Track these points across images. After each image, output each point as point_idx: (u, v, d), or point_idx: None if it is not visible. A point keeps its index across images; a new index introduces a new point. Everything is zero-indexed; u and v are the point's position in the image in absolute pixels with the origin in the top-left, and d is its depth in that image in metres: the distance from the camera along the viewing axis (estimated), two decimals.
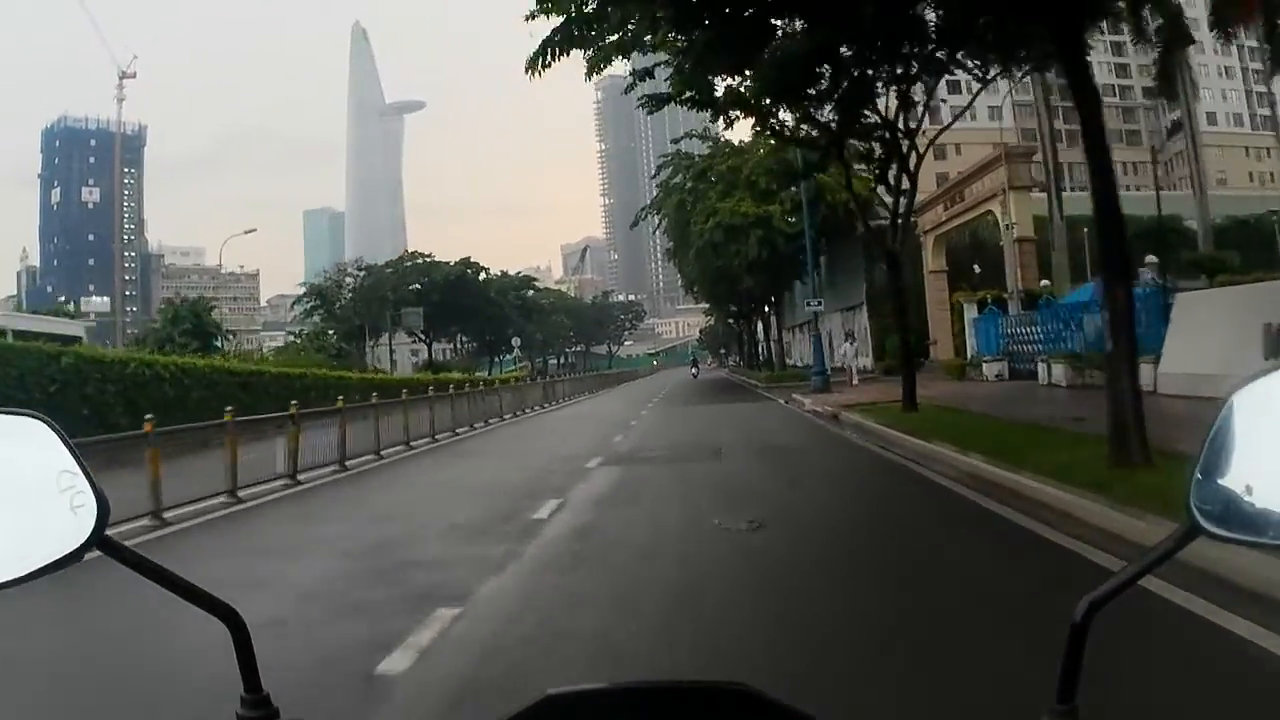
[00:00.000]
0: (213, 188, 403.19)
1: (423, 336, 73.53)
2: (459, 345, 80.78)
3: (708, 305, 72.64)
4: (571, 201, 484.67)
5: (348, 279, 72.63)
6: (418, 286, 71.66)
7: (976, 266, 40.56)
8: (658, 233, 48.93)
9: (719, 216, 42.95)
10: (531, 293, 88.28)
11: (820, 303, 34.54)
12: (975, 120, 46.82)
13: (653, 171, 58.57)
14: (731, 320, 75.27)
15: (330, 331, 65.75)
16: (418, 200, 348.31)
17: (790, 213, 39.85)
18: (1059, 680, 0.97)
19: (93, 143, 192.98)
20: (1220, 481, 0.90)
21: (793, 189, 37.69)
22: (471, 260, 75.74)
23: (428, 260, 74.02)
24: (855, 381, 29.68)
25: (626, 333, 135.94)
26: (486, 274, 76.20)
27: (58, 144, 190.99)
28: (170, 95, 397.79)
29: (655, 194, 50.96)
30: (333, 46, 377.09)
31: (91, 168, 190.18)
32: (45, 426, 1.04)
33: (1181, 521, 0.93)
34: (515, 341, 58.81)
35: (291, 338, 67.77)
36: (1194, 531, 0.92)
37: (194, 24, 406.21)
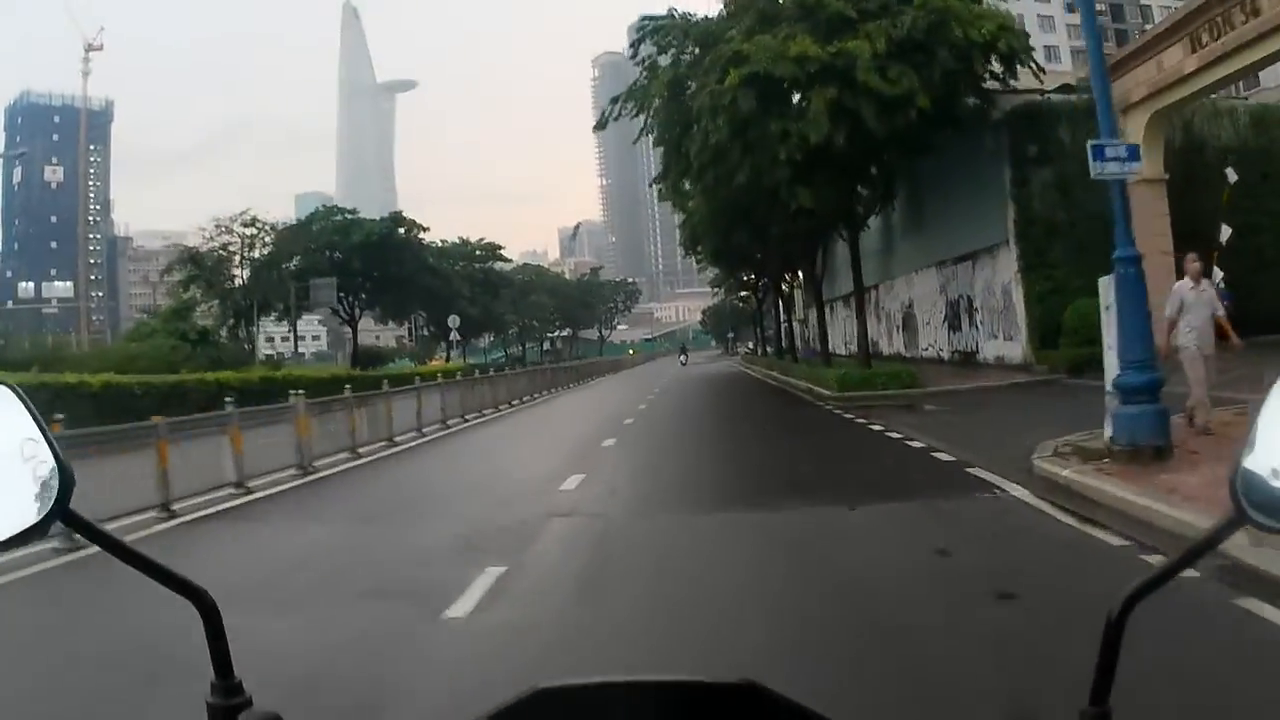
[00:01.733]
0: (203, 174, 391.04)
1: (344, 317, 59.70)
2: (414, 328, 68.24)
3: (715, 275, 58.25)
4: (568, 185, 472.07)
5: (230, 239, 55.97)
6: (334, 253, 55.94)
7: (1230, 171, 20.80)
8: (645, 135, 28.20)
9: (752, 65, 22.25)
10: (497, 265, 74.95)
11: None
12: None
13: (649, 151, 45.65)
14: (747, 294, 61.00)
15: (200, 308, 52.36)
16: (410, 183, 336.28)
17: (890, 56, 21.93)
18: (1094, 680, 0.94)
19: (57, 119, 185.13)
20: (1267, 470, 0.88)
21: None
22: (405, 217, 60.04)
23: (348, 217, 57.65)
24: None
25: (619, 315, 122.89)
26: (423, 235, 60.60)
27: (20, 121, 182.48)
28: (157, 80, 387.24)
29: (637, 78, 28.20)
30: (323, 25, 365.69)
31: (55, 145, 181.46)
32: (9, 392, 0.99)
33: (1225, 510, 0.91)
34: (453, 321, 46.15)
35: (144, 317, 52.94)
36: (1239, 519, 0.90)
37: (178, 6, 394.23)
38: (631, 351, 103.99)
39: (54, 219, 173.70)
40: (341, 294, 54.97)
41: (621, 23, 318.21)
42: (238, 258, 52.33)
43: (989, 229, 24.63)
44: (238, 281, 51.96)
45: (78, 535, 1.01)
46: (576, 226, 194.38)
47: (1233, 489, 0.89)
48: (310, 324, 77.59)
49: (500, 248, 72.14)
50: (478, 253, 70.76)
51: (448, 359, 64.24)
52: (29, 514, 0.95)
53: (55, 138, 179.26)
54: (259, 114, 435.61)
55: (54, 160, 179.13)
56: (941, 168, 25.78)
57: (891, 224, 33.54)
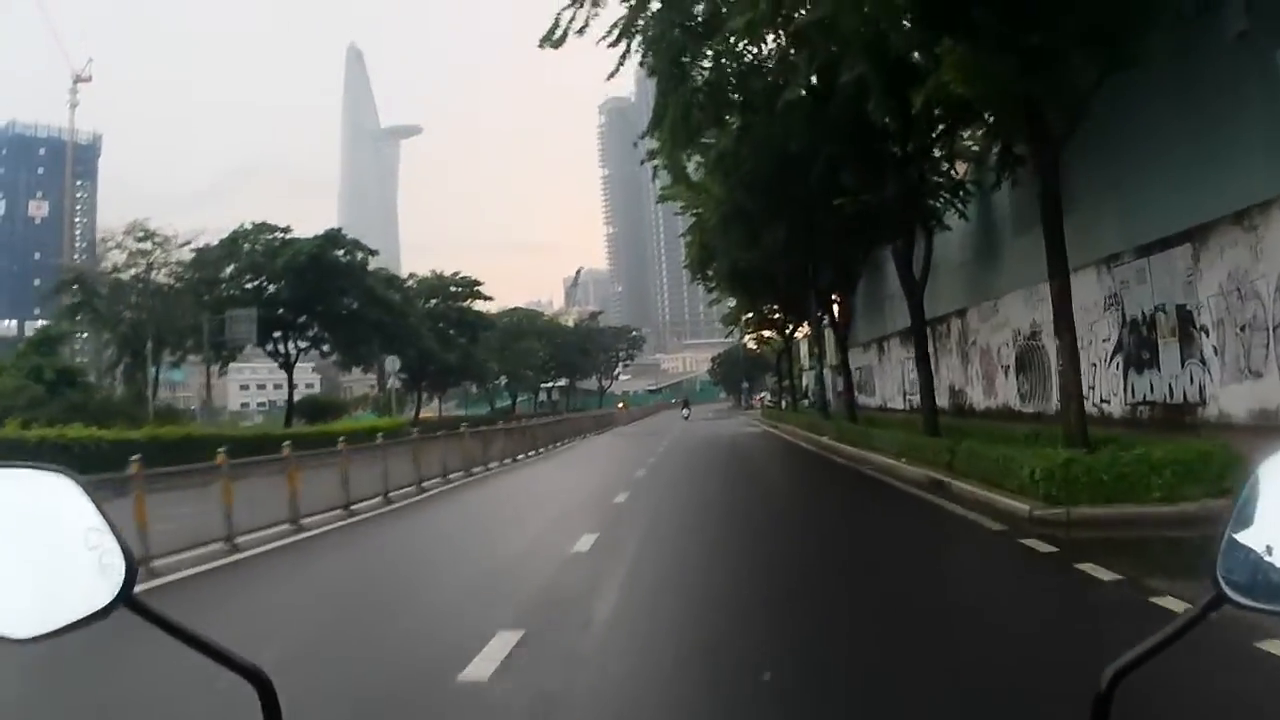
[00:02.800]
0: (204, 217, 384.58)
1: (277, 358, 47.26)
2: (380, 374, 57.44)
3: (727, 312, 46.19)
4: (574, 233, 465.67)
5: (121, 258, 42.88)
6: (261, 280, 44.14)
7: None
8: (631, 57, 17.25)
9: None
10: (479, 304, 62.13)
11: None
12: None
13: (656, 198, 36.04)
14: (770, 334, 49.69)
15: (80, 343, 42.34)
16: (413, 230, 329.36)
17: None
18: None
19: (42, 152, 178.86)
20: (1246, 552, 0.91)
21: None
22: (345, 237, 47.45)
23: (280, 236, 45.12)
24: None
25: (621, 364, 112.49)
26: (365, 260, 47.16)
27: (4, 152, 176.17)
28: (156, 122, 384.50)
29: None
30: (326, 68, 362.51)
31: (40, 179, 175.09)
32: (71, 483, 1.03)
33: (1206, 590, 0.95)
34: (391, 365, 36.34)
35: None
36: (1219, 600, 0.93)
37: (183, 53, 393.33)
38: (621, 405, 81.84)
39: (37, 255, 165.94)
40: (278, 332, 44.91)
41: (629, 69, 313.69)
42: (140, 281, 41.49)
43: (1234, 183, 13.59)
44: (154, 306, 40.93)
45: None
46: (578, 272, 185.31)
47: (1213, 571, 0.92)
48: (304, 371, 69.17)
49: (479, 283, 61.75)
50: (452, 288, 61.02)
51: (416, 414, 54.03)
52: (94, 600, 0.98)
53: (41, 171, 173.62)
54: (260, 158, 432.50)
55: (39, 194, 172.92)
56: (1131, 98, 14.97)
57: (993, 219, 23.71)
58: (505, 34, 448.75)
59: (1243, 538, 0.90)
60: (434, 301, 58.07)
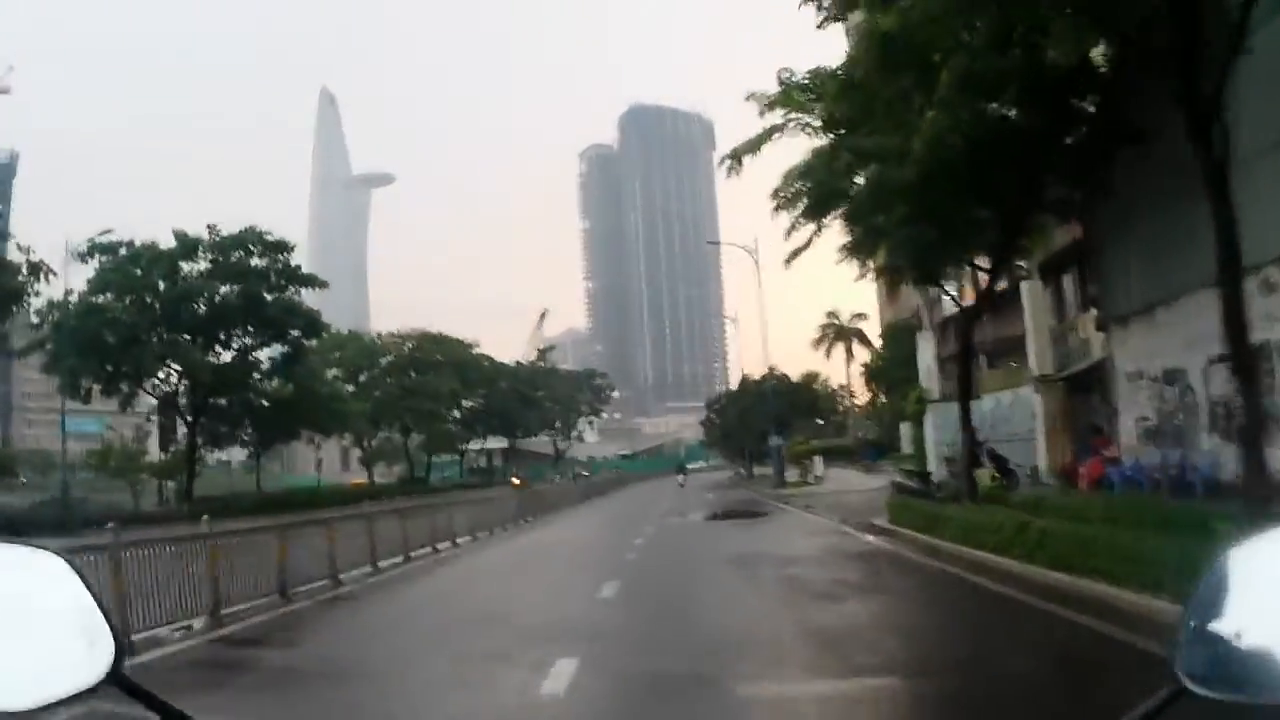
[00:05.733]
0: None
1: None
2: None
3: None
4: (552, 291, 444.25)
5: None
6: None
7: None
8: None
9: None
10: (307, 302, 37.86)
11: None
12: None
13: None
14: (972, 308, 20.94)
15: None
16: (384, 290, 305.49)
17: None
18: None
19: None
20: (1210, 641, 0.89)
21: None
22: None
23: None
24: None
25: (583, 420, 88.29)
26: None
27: None
28: (108, 169, 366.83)
29: None
30: (297, 115, 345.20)
31: None
32: (62, 563, 1.05)
33: (1164, 681, 0.94)
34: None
35: None
36: (1179, 693, 0.91)
37: (143, 95, 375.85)
38: (516, 480, 51.53)
39: None
40: None
41: (609, 116, 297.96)
42: None
43: None
44: None
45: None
46: (543, 315, 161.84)
47: (1171, 664, 0.91)
48: None
49: (298, 266, 37.85)
50: (240, 249, 35.16)
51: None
52: (82, 678, 0.99)
53: None
54: (224, 209, 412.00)
55: None
56: None
57: None
58: (482, 80, 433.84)
59: (1202, 628, 0.86)
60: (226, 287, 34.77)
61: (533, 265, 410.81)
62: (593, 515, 32.73)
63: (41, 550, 1.05)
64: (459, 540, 20.71)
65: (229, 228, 34.25)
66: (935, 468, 26.39)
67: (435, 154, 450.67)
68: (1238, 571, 0.89)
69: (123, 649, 1.02)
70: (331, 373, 53.09)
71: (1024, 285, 25.14)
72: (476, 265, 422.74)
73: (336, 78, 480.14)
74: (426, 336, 61.13)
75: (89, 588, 1.04)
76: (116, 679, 1.00)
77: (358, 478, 65.80)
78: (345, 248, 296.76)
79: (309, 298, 37.18)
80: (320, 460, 61.82)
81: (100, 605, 1.04)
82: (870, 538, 17.56)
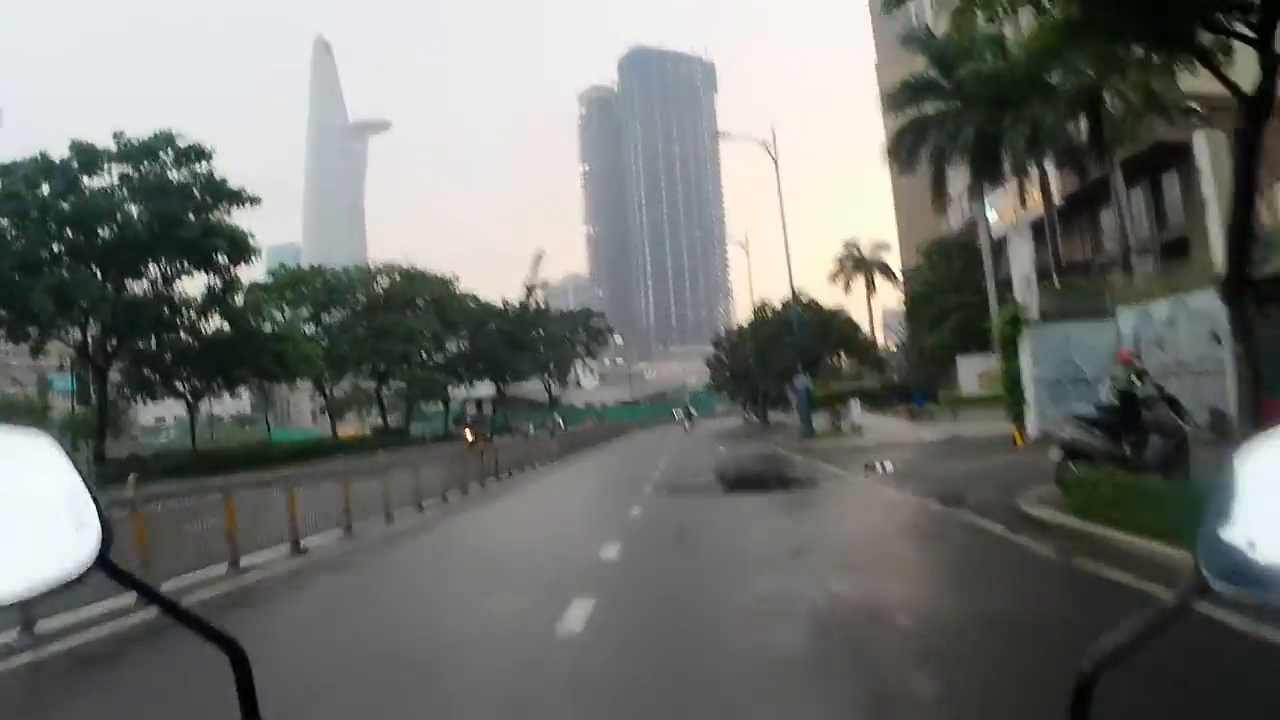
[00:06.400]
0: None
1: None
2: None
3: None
4: (553, 238, 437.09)
5: None
6: None
7: None
8: None
9: None
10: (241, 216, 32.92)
11: None
12: None
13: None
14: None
15: None
16: (382, 238, 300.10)
17: None
18: None
19: None
20: (1227, 539, 0.90)
21: None
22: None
23: None
24: None
25: (580, 363, 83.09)
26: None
27: None
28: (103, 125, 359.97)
29: None
30: (293, 64, 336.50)
31: None
32: (51, 443, 1.02)
33: (1188, 577, 0.92)
34: None
35: None
36: (1202, 587, 0.92)
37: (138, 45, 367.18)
38: (469, 436, 40.89)
39: None
40: None
41: (610, 58, 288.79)
42: None
43: None
44: None
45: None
46: (538, 256, 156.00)
47: (1195, 558, 0.91)
48: None
49: (223, 180, 32.11)
50: (150, 158, 29.93)
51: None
52: (69, 564, 0.97)
53: None
54: (219, 160, 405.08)
55: None
56: None
57: None
58: (479, 23, 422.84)
59: (1222, 525, 0.86)
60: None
61: (533, 211, 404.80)
62: (555, 489, 23.27)
63: (29, 432, 0.98)
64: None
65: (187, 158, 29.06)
66: (1051, 411, 19.53)
67: (432, 99, 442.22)
68: (1251, 471, 0.85)
69: (110, 532, 0.96)
70: (298, 312, 48.50)
71: (1197, 136, 18.90)
72: (476, 212, 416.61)
73: (331, 25, 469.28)
74: (400, 272, 56.11)
75: (76, 468, 0.98)
76: (103, 564, 0.96)
77: (352, 428, 61.65)
78: (342, 196, 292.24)
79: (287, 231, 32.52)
80: (317, 411, 57.56)
81: (89, 487, 0.97)
82: (1087, 564, 7.52)
